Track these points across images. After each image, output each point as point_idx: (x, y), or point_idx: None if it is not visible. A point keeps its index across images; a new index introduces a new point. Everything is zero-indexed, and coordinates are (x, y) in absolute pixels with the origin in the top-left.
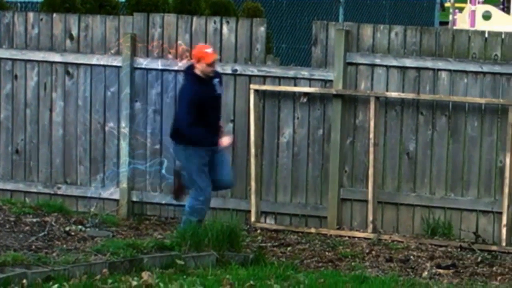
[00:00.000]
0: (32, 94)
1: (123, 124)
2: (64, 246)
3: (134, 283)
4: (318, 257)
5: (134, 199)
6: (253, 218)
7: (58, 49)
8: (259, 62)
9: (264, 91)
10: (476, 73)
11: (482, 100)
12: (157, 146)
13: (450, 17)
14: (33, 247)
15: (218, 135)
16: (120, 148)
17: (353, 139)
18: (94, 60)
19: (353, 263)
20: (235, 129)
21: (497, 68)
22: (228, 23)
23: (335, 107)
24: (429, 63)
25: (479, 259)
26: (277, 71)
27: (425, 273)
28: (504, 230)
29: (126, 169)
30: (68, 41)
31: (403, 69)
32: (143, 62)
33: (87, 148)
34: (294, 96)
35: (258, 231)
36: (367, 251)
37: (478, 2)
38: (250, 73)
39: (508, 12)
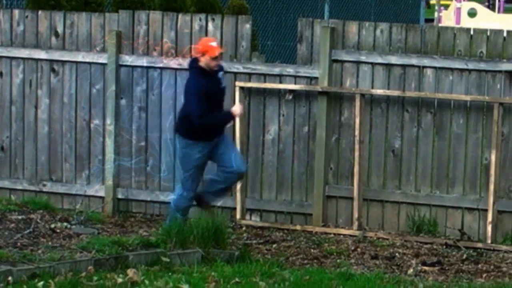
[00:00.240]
0: (18, 91)
1: (108, 121)
2: (50, 243)
3: (120, 280)
4: (304, 254)
5: (120, 196)
6: (238, 216)
7: (43, 46)
8: (245, 60)
9: (250, 88)
10: (462, 70)
11: (468, 97)
12: (142, 143)
13: (436, 14)
14: (19, 244)
15: (221, 131)
16: (106, 145)
17: (338, 136)
18: (80, 57)
19: (338, 260)
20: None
21: (482, 65)
22: (214, 20)
23: (320, 104)
24: (414, 60)
25: (465, 256)
26: (263, 68)
27: (411, 270)
28: (489, 227)
29: (111, 166)
30: (53, 38)
31: (388, 66)
32: (128, 59)
33: (72, 146)
34: (279, 93)
35: (244, 228)
36: (353, 248)
37: (464, 0)
38: (235, 70)
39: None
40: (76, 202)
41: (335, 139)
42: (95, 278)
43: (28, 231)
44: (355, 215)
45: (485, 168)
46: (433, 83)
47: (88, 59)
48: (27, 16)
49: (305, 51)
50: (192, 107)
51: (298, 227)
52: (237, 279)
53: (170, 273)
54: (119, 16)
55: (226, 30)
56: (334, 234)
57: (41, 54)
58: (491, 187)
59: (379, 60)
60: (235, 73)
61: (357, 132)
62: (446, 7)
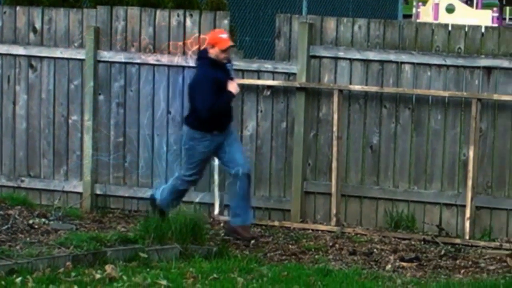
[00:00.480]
0: None
1: (86, 117)
2: (28, 239)
3: (98, 276)
4: (282, 250)
5: (98, 192)
6: (216, 211)
7: (21, 42)
8: None
9: None
10: (440, 66)
11: (446, 93)
12: (121, 139)
13: (414, 10)
14: None
15: (229, 123)
16: (84, 141)
17: (316, 132)
18: (58, 53)
19: (316, 256)
20: None
21: (460, 61)
22: (192, 16)
23: (298, 100)
24: (392, 56)
25: (443, 252)
26: (241, 64)
27: (389, 266)
28: (467, 223)
29: (89, 162)
30: (31, 34)
31: (366, 62)
32: (106, 55)
33: (50, 141)
34: (257, 89)
35: (222, 224)
36: (331, 244)
37: None
38: None
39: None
40: (54, 198)
41: (313, 135)
42: (73, 274)
43: (6, 227)
44: (333, 211)
45: (463, 164)
46: (411, 79)
47: (66, 55)
48: (5, 12)
49: (283, 47)
50: (199, 100)
51: (276, 223)
52: (215, 275)
53: (148, 269)
54: (97, 12)
55: (204, 26)
56: (312, 230)
57: (19, 50)
58: (469, 183)
59: (357, 56)
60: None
61: (335, 128)
62: (424, 3)
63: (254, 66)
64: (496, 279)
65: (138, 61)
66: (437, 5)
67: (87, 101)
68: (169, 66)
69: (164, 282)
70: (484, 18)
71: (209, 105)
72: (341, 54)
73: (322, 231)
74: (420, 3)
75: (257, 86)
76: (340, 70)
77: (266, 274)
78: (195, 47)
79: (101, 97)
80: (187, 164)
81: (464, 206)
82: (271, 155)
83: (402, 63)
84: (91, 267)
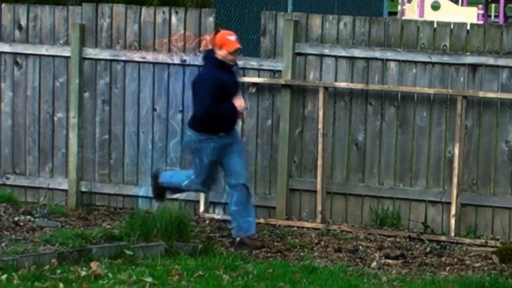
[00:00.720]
0: None
1: (72, 114)
2: (13, 236)
3: (83, 273)
4: (267, 247)
5: (83, 189)
6: (201, 209)
7: (7, 39)
8: None
9: None
10: (425, 63)
11: (431, 91)
12: (106, 136)
13: (399, 7)
14: None
15: (236, 124)
16: (69, 138)
17: (302, 130)
18: (43, 50)
19: (302, 254)
20: (184, 120)
21: (445, 59)
22: (177, 13)
23: (284, 98)
24: (377, 54)
25: (428, 249)
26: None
27: (374, 264)
28: (453, 220)
29: (75, 159)
30: (17, 32)
31: (352, 59)
32: (92, 52)
33: (36, 139)
34: (243, 87)
35: (207, 221)
36: (316, 241)
37: None
38: (199, 63)
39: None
40: (39, 195)
41: (299, 132)
42: (58, 271)
43: None
44: (319, 208)
45: (448, 161)
46: (397, 76)
47: (51, 52)
48: None
49: (268, 44)
50: (198, 100)
51: (261, 220)
52: (200, 272)
53: (133, 266)
54: (82, 9)
55: (190, 23)
56: (298, 227)
57: (5, 47)
58: (455, 180)
59: (343, 53)
60: (199, 66)
61: (320, 125)
62: (410, 0)
63: (240, 63)
64: (481, 276)
65: (124, 58)
66: (422, 2)
67: (72, 98)
68: (154, 64)
69: (149, 279)
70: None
71: (206, 107)
72: (326, 51)
73: (307, 228)
74: (405, 1)
75: (243, 83)
76: (325, 67)
77: (251, 272)
78: (181, 44)
79: (86, 94)
80: (197, 170)
81: (450, 203)
82: (257, 152)
83: (387, 60)
84: (76, 264)
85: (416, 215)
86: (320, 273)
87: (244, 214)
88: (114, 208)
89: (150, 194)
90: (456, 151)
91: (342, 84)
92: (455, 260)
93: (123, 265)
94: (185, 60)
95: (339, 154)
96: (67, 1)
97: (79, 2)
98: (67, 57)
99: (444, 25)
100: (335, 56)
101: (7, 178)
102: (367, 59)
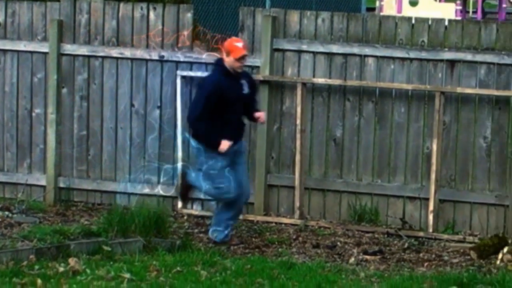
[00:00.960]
0: None
1: (50, 110)
2: None
3: (61, 269)
4: (245, 243)
5: (61, 185)
6: (179, 205)
7: None
8: (186, 49)
9: (191, 77)
10: (403, 59)
11: (409, 86)
12: (84, 132)
13: (377, 3)
14: None
15: (238, 137)
16: (47, 134)
17: (280, 125)
18: (21, 46)
19: (280, 249)
20: (162, 116)
21: (424, 54)
22: (155, 9)
23: (262, 93)
24: (356, 49)
25: (406, 245)
26: (204, 57)
27: (352, 259)
28: (431, 216)
29: (53, 155)
30: None
31: (330, 55)
32: (70, 48)
33: (14, 134)
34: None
35: (185, 217)
36: (294, 237)
37: None
38: (176, 59)
39: None
40: (17, 191)
41: (277, 128)
42: (36, 267)
43: None
44: (297, 204)
45: (426, 157)
46: (375, 72)
47: (29, 48)
48: None
49: (246, 40)
50: (193, 103)
51: (240, 216)
52: (178, 268)
53: (111, 262)
54: (60, 5)
55: (168, 19)
56: (276, 223)
57: None
58: (433, 176)
59: (321, 49)
60: (177, 62)
61: (298, 121)
62: None
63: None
64: (459, 272)
65: (102, 54)
66: None
67: (50, 94)
68: (132, 59)
69: (127, 275)
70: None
71: (197, 115)
72: (304, 47)
73: (285, 224)
74: None
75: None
76: (303, 63)
77: (229, 267)
78: (159, 40)
79: (64, 90)
80: (216, 182)
81: (428, 199)
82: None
83: (365, 56)
84: (54, 260)
85: (394, 211)
86: (298, 269)
87: (230, 221)
88: (92, 204)
89: (128, 190)
90: (434, 147)
91: (320, 80)
92: (433, 256)
93: (101, 261)
94: (163, 56)
95: (317, 150)
96: None
97: None
98: (45, 53)
99: (422, 21)
100: (313, 52)
101: None
102: (345, 55)
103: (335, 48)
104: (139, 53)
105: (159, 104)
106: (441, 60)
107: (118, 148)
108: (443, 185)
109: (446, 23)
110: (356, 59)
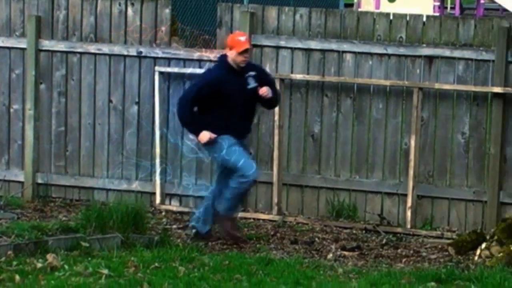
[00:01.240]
0: None
1: (28, 106)
2: None
3: (39, 265)
4: (223, 239)
5: (39, 181)
6: (158, 200)
7: None
8: (164, 45)
9: (169, 73)
10: (381, 55)
11: (387, 82)
12: (62, 128)
13: None
14: None
15: (240, 133)
16: (25, 130)
17: (257, 121)
18: None
19: (258, 245)
20: (140, 112)
21: (402, 50)
22: (133, 5)
23: None
24: (334, 45)
25: (384, 241)
26: (182, 53)
27: (330, 255)
28: (409, 212)
29: (31, 151)
30: None
31: (308, 51)
32: (48, 44)
33: None
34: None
35: (163, 213)
36: (272, 233)
37: None
38: (155, 55)
39: None
40: None
41: (255, 124)
42: (14, 263)
43: None
44: (275, 200)
45: (404, 153)
46: (353, 68)
47: (7, 44)
48: None
49: (224, 36)
50: (185, 93)
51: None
52: (156, 264)
53: (89, 258)
54: (38, 1)
55: (146, 15)
56: (254, 219)
57: None
58: (411, 172)
59: (299, 45)
60: (155, 58)
61: (276, 117)
62: None
63: (196, 55)
64: (437, 268)
65: (80, 50)
66: None
67: (28, 90)
68: (110, 55)
69: (105, 271)
70: (425, 7)
71: (184, 103)
72: (282, 43)
73: (263, 220)
74: None
75: (199, 75)
76: (281, 59)
77: (207, 263)
78: (136, 36)
79: (42, 86)
80: (232, 167)
81: (406, 195)
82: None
83: (343, 52)
84: (32, 256)
85: (372, 207)
86: (276, 265)
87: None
88: (70, 200)
89: (106, 186)
90: (412, 143)
91: (298, 76)
92: (411, 252)
93: (79, 257)
94: (141, 52)
95: (295, 146)
96: None
97: None
98: (23, 49)
99: (400, 17)
100: (291, 48)
101: None
102: (323, 51)
103: (313, 44)
104: (117, 49)
105: (137, 100)
106: (419, 56)
107: (96, 144)
108: (421, 181)
109: (424, 19)
110: (334, 55)
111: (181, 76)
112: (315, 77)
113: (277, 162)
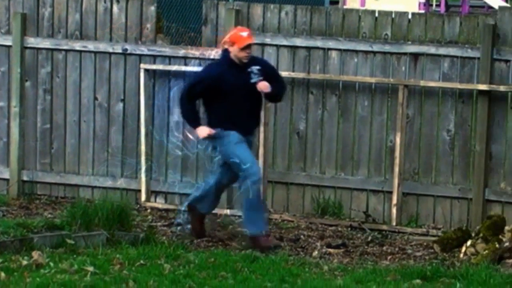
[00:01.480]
0: None
1: (13, 103)
2: None
3: (25, 262)
4: (209, 236)
5: (25, 178)
6: (143, 198)
7: None
8: (149, 42)
9: (155, 71)
10: (366, 52)
11: (372, 80)
12: (47, 126)
13: None
14: None
15: (245, 129)
16: (10, 127)
17: None
18: None
19: (243, 243)
20: (125, 109)
21: (387, 48)
22: (119, 2)
23: None
24: (319, 43)
25: (369, 238)
26: (167, 50)
27: (315, 253)
28: (394, 210)
29: (16, 149)
30: None
31: (293, 48)
32: (33, 41)
33: None
34: (184, 76)
35: (149, 210)
36: None
37: None
38: (140, 52)
39: None
40: None
41: None
42: None
43: None
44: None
45: (390, 151)
46: (338, 65)
47: None
48: None
49: (210, 34)
50: (184, 87)
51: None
52: (142, 261)
53: (75, 255)
54: None
55: (131, 12)
56: (239, 216)
57: None
58: (396, 169)
59: (284, 42)
60: (140, 55)
61: (262, 114)
62: None
63: (181, 52)
64: (423, 266)
65: (65, 47)
66: None
67: (14, 87)
68: (95, 53)
69: (91, 268)
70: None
71: (182, 95)
72: (268, 40)
73: None
74: None
75: (184, 72)
76: (267, 56)
77: (193, 261)
78: (122, 33)
79: (28, 84)
80: (235, 163)
81: (391, 192)
82: (198, 142)
83: (329, 49)
84: (18, 253)
85: (358, 204)
86: (261, 262)
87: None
88: (55, 197)
89: (92, 183)
90: (398, 140)
91: (283, 73)
92: (397, 249)
93: (64, 254)
94: (126, 49)
95: (281, 143)
96: None
97: None
98: (8, 46)
99: (385, 14)
100: (276, 45)
101: None
102: (308, 48)
103: (298, 41)
104: (103, 46)
105: (122, 97)
106: (405, 53)
107: (82, 141)
108: (406, 178)
109: (410, 16)
110: (319, 52)
111: (167, 74)
112: (300, 74)
113: (263, 160)
